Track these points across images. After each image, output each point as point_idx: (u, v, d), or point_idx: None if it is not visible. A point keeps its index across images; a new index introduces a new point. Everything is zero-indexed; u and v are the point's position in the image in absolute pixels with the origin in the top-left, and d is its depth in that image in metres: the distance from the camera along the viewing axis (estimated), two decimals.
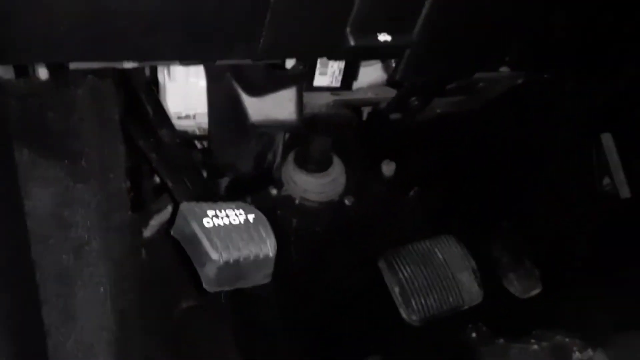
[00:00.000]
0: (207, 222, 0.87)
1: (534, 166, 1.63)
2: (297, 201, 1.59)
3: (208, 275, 0.86)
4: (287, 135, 1.54)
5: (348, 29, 0.91)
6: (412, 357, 1.43)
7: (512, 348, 1.44)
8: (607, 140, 1.49)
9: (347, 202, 1.65)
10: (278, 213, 1.57)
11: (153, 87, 1.12)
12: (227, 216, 0.90)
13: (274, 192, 1.59)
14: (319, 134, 1.48)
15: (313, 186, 1.59)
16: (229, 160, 1.26)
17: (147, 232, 1.29)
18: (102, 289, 0.90)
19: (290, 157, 1.60)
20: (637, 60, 1.29)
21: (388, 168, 1.73)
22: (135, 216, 1.23)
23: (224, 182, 1.30)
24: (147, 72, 1.18)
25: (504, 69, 1.20)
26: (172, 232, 0.91)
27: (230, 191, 1.34)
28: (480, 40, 1.08)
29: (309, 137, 1.53)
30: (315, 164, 1.58)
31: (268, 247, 0.89)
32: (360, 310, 1.47)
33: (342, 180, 1.64)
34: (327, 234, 1.60)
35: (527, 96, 1.42)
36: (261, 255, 0.88)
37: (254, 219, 0.91)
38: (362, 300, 1.50)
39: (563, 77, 1.35)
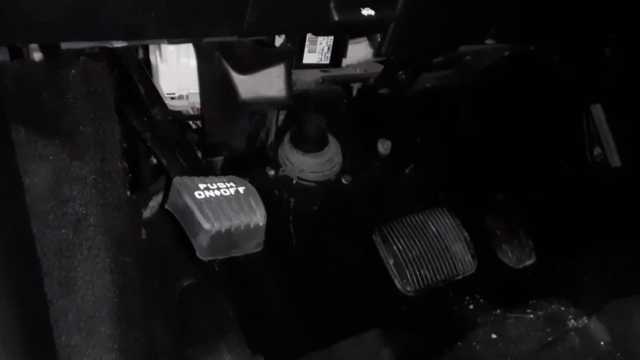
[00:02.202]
0: (199, 194, 0.90)
1: (525, 138, 1.65)
2: (294, 181, 1.62)
3: (201, 244, 0.89)
4: (281, 117, 1.57)
5: (332, 4, 0.93)
6: (410, 329, 1.46)
7: (509, 318, 1.47)
8: (597, 111, 1.51)
9: (344, 181, 1.67)
10: (276, 193, 1.60)
11: (144, 66, 1.14)
12: (218, 188, 0.93)
13: (271, 172, 1.61)
14: (312, 112, 1.50)
15: (309, 166, 1.62)
16: (222, 138, 1.28)
17: (147, 213, 1.33)
18: (101, 263, 0.93)
19: (286, 137, 1.63)
20: (622, 30, 1.30)
21: (384, 146, 1.75)
22: (134, 197, 1.26)
23: (219, 161, 1.32)
24: (141, 54, 1.21)
25: (489, 42, 1.21)
26: (166, 206, 0.94)
27: (225, 171, 1.37)
28: (464, 12, 1.10)
29: (303, 117, 1.55)
30: (310, 144, 1.60)
31: (258, 216, 0.92)
32: (356, 283, 1.50)
33: (338, 159, 1.67)
34: (324, 213, 1.63)
35: (515, 69, 1.44)
36: (252, 225, 0.91)
37: (244, 191, 0.94)
38: (358, 273, 1.53)
39: (549, 48, 1.36)
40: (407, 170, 1.75)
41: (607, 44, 1.39)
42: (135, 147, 1.24)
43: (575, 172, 1.57)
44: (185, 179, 0.93)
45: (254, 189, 0.95)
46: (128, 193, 1.11)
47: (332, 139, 1.66)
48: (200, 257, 0.90)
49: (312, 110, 1.50)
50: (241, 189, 0.94)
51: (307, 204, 1.62)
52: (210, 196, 0.90)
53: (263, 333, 1.35)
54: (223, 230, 0.88)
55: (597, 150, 1.53)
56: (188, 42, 1.07)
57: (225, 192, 0.92)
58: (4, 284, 0.79)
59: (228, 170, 1.37)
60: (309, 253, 1.54)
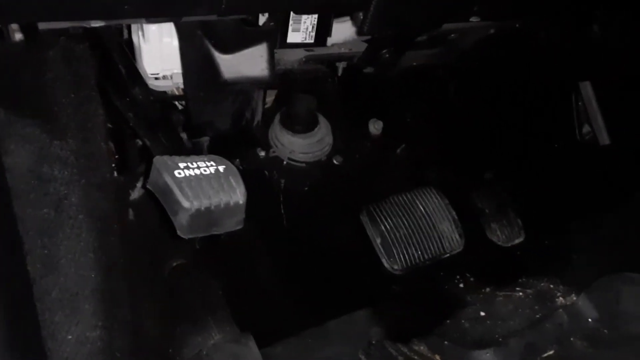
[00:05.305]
0: (179, 173, 0.91)
1: (514, 117, 1.65)
2: (284, 162, 1.62)
3: (181, 222, 0.90)
4: (270, 98, 1.56)
5: None
6: (399, 307, 1.47)
7: (498, 296, 1.48)
8: (586, 89, 1.50)
9: (335, 161, 1.68)
10: (266, 174, 1.61)
11: (126, 47, 1.14)
12: (198, 167, 0.93)
13: (261, 154, 1.62)
14: (302, 93, 1.50)
15: (299, 147, 1.62)
16: (206, 119, 1.28)
17: (135, 194, 1.33)
18: (83, 242, 0.94)
19: (277, 118, 1.63)
20: (610, 7, 1.29)
21: (375, 126, 1.75)
22: (121, 178, 1.27)
23: (205, 141, 1.32)
24: (126, 34, 1.20)
25: (474, 19, 1.20)
26: (147, 185, 0.95)
27: (213, 152, 1.37)
28: None
29: (293, 97, 1.55)
30: (300, 125, 1.60)
31: (238, 195, 0.93)
32: (345, 262, 1.51)
33: (328, 140, 1.67)
34: (315, 193, 1.63)
35: (501, 47, 1.43)
36: (231, 203, 0.92)
37: (225, 169, 0.95)
38: (348, 253, 1.53)
39: (534, 26, 1.35)
40: (398, 150, 1.75)
41: (595, 20, 1.39)
42: (122, 128, 1.25)
43: (564, 150, 1.57)
44: (166, 158, 0.93)
45: (234, 168, 0.96)
46: (115, 174, 1.11)
47: (322, 120, 1.66)
48: (181, 235, 0.91)
49: (301, 91, 1.50)
50: (221, 168, 0.95)
51: (298, 184, 1.63)
52: (190, 175, 0.91)
53: (252, 312, 1.36)
54: (203, 208, 0.89)
55: (586, 128, 1.53)
56: (166, 21, 1.07)
57: (205, 170, 0.93)
58: None
59: (216, 151, 1.37)
60: (300, 233, 1.55)
